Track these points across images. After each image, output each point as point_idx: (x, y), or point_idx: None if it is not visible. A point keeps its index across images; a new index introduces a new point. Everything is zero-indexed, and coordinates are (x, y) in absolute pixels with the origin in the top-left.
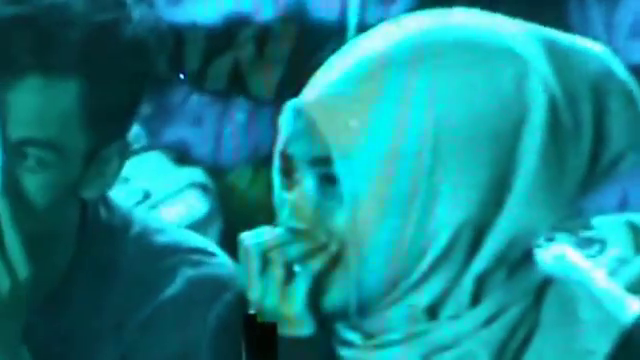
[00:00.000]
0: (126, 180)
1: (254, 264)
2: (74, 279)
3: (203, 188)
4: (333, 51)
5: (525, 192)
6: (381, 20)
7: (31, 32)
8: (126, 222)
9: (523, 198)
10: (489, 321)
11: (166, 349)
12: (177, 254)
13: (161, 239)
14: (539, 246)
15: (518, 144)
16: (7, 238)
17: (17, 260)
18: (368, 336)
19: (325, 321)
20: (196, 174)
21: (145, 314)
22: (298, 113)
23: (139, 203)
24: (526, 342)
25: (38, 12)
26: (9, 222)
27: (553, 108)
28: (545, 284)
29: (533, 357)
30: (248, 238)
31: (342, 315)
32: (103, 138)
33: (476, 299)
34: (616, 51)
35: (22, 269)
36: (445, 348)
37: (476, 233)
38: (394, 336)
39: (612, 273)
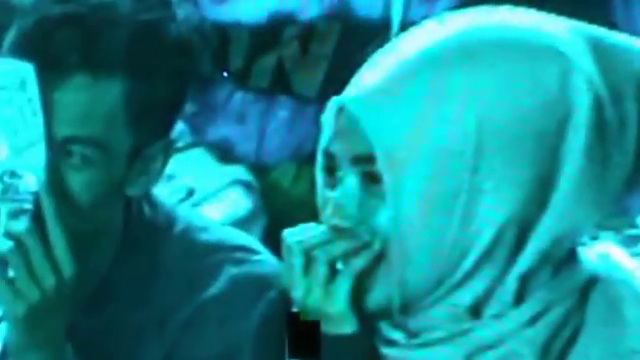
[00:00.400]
0: (170, 177)
1: (297, 262)
2: (118, 276)
3: (246, 186)
4: (377, 49)
5: (569, 190)
6: (425, 18)
7: (78, 31)
8: (170, 219)
9: (567, 196)
10: (533, 320)
11: (209, 347)
12: (220, 252)
13: (205, 237)
14: (583, 245)
15: (562, 143)
16: (52, 236)
17: (62, 258)
18: (411, 334)
19: (368, 319)
20: (239, 172)
21: (188, 312)
22: (341, 111)
23: (182, 200)
24: (571, 342)
25: (85, 11)
26: (54, 220)
27: (598, 107)
28: (590, 283)
29: (578, 357)
30: (291, 236)
31: (385, 313)
32: (147, 136)
33: (520, 298)
34: None
35: (67, 267)
36: (489, 347)
37: (520, 232)
38: (437, 335)
39: None
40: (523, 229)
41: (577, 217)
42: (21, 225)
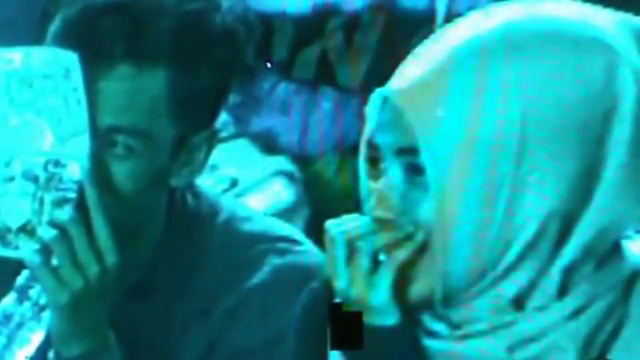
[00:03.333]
0: (213, 168)
1: (340, 253)
2: (161, 265)
3: (289, 176)
4: (421, 41)
5: (614, 183)
6: (470, 9)
7: (122, 20)
8: (213, 210)
9: (612, 189)
10: (576, 313)
11: (252, 336)
12: (264, 242)
13: (248, 227)
14: (628, 238)
15: (607, 135)
16: (95, 225)
17: (105, 247)
18: (454, 326)
19: (410, 311)
20: (283, 162)
21: (231, 302)
22: (385, 102)
23: (226, 191)
24: (614, 335)
25: (130, 0)
26: (97, 209)
27: None
28: (634, 276)
29: (621, 350)
30: (334, 227)
31: (427, 305)
32: (191, 126)
33: (563, 291)
34: None
35: (110, 256)
36: (531, 340)
37: (563, 224)
38: (480, 327)
39: None
40: (567, 222)
41: (621, 210)
42: (65, 214)
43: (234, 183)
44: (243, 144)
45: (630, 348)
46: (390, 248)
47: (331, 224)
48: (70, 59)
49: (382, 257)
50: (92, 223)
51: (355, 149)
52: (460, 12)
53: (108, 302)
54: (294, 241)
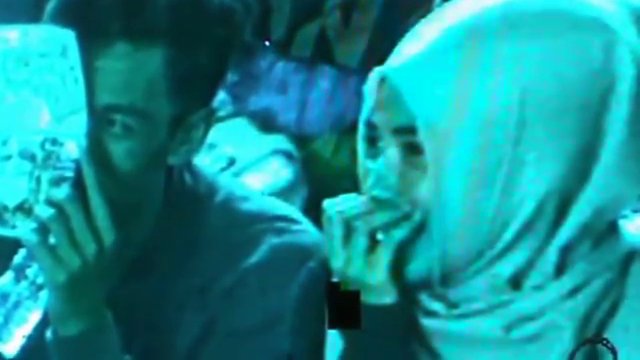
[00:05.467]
0: (211, 146)
1: (338, 232)
2: (158, 245)
3: (287, 155)
4: (419, 19)
5: (612, 163)
6: None
7: None
8: (211, 189)
9: (609, 169)
10: (573, 292)
11: (249, 316)
12: (261, 221)
13: (246, 206)
14: (625, 217)
15: (605, 114)
16: (93, 204)
17: (103, 225)
18: (451, 306)
19: (408, 290)
20: (280, 141)
21: (229, 281)
22: (383, 81)
23: (224, 169)
24: (611, 314)
25: None
26: (95, 188)
27: None
28: (630, 256)
29: (618, 329)
30: (332, 206)
31: (425, 284)
32: (189, 105)
33: (560, 270)
34: None
35: (107, 235)
36: (528, 318)
37: (561, 203)
38: (477, 306)
39: None
40: (564, 201)
41: (618, 190)
42: (62, 193)
43: (232, 162)
44: (241, 123)
45: (626, 327)
46: (388, 227)
47: (329, 203)
48: (67, 37)
49: (380, 236)
50: (89, 202)
51: (353, 128)
52: None
53: (106, 281)
54: (292, 220)
